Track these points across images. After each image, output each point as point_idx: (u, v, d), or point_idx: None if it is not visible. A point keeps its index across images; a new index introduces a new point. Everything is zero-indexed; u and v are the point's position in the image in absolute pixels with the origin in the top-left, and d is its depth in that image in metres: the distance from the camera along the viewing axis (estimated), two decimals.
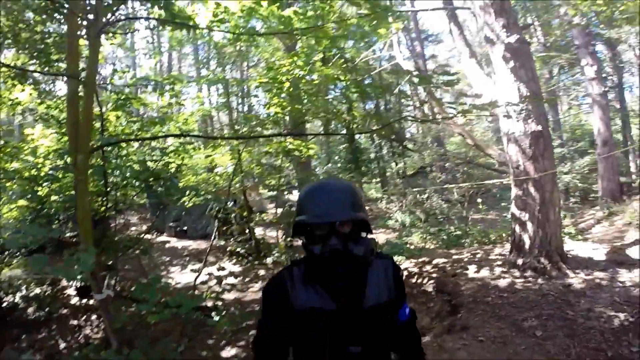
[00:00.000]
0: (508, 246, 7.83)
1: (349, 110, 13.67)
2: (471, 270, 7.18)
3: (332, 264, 1.53)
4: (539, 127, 6.87)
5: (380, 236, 14.25)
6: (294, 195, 14.28)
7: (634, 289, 5.49)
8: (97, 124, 6.20)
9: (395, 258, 8.11)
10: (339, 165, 21.13)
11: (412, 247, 9.91)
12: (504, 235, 10.44)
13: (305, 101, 7.34)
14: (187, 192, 9.10)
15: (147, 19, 5.67)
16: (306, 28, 5.68)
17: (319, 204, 1.56)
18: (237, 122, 11.81)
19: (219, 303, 6.62)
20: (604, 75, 14.28)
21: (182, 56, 25.73)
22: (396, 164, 21.32)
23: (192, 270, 8.87)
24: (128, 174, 6.86)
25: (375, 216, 18.76)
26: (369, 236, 1.65)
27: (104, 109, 6.45)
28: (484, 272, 6.98)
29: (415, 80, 6.75)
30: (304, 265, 1.65)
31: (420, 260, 8.14)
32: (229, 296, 7.45)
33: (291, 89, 6.80)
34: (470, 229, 12.13)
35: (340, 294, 1.58)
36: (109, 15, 4.76)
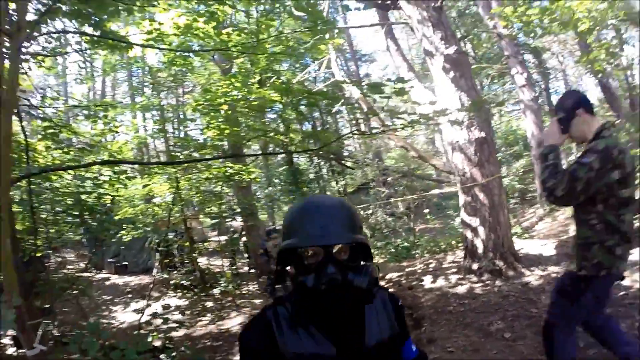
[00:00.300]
0: (460, 253, 7.86)
1: (287, 132, 13.51)
2: (427, 281, 7.12)
3: (330, 299, 1.21)
4: (483, 134, 6.98)
5: None
6: (237, 222, 13.84)
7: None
8: (23, 154, 5.68)
9: None
10: (279, 187, 20.87)
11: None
12: (453, 242, 10.56)
13: (243, 124, 7.13)
14: (124, 225, 8.56)
15: (75, 33, 5.26)
16: (244, 43, 5.49)
17: (313, 225, 1.24)
18: (174, 149, 11.38)
19: (167, 342, 6.14)
20: (532, 81, 15.00)
21: (115, 83, 24.81)
22: (337, 183, 21.32)
23: (134, 310, 8.26)
24: (59, 208, 6.32)
25: None
26: (370, 263, 1.34)
27: (34, 139, 5.94)
28: (441, 282, 6.93)
29: (358, 90, 6.70)
30: (291, 302, 1.33)
31: None
32: (178, 333, 6.97)
33: (229, 112, 6.58)
34: (419, 239, 12.23)
35: (340, 335, 1.29)
36: (34, 31, 4.36)
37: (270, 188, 20.33)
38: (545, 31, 8.87)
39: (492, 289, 6.06)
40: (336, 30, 6.45)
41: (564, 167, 2.56)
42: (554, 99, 20.36)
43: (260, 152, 15.20)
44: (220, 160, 9.60)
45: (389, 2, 7.87)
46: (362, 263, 1.34)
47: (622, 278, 2.66)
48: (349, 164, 22.23)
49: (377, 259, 10.95)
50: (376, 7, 8.93)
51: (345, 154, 23.54)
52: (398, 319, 1.46)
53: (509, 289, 5.93)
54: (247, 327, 1.35)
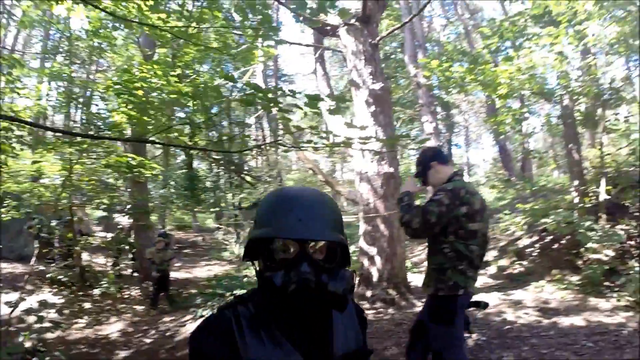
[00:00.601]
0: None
1: (192, 136, 13.20)
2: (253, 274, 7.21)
3: (299, 301, 1.06)
4: (392, 169, 7.32)
5: (215, 268, 13.89)
6: (127, 220, 12.94)
7: (475, 311, 5.98)
8: None
9: (238, 292, 7.81)
10: (172, 190, 20.11)
11: (248, 280, 9.57)
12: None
13: (153, 116, 6.83)
14: (6, 202, 7.70)
15: None
16: (182, 27, 5.34)
17: (289, 216, 1.10)
18: (79, 125, 10.46)
19: (40, 344, 5.50)
20: (439, 131, 16.10)
21: (28, 41, 22.43)
22: (233, 196, 21.03)
23: (6, 303, 7.35)
24: None
25: (210, 247, 18.37)
26: (348, 269, 1.18)
27: None
28: None
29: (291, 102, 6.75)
30: (254, 302, 1.17)
31: None
32: (52, 335, 6.30)
33: (143, 99, 6.28)
34: None
35: (306, 343, 1.14)
36: None
37: (165, 190, 19.46)
38: (463, 89, 9.66)
39: (385, 316, 6.29)
40: (272, 41, 6.47)
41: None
42: (454, 150, 22.68)
43: (163, 147, 14.50)
44: (124, 147, 9.03)
45: (329, 27, 8.11)
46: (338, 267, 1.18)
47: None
48: (248, 178, 22.12)
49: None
50: (316, 30, 9.16)
51: (247, 169, 23.42)
52: (362, 331, 1.33)
53: (402, 317, 6.20)
54: (200, 329, 1.16)
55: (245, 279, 9.27)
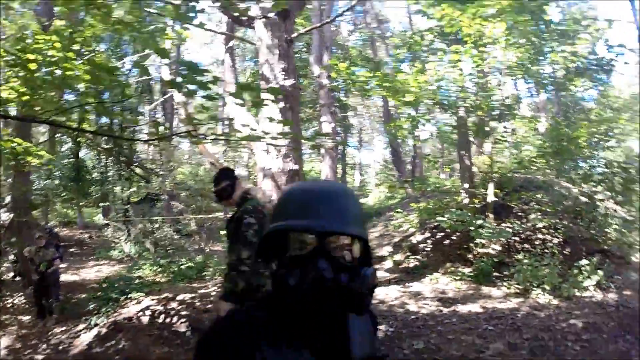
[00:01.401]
0: None
1: (81, 122, 12.10)
2: (224, 304, 7.05)
3: (315, 301, 0.96)
4: (296, 167, 7.34)
5: (104, 268, 12.95)
6: (4, 216, 11.37)
7: (380, 304, 6.52)
8: None
9: (134, 295, 7.36)
10: (57, 182, 18.26)
11: (142, 281, 9.03)
12: None
13: (44, 94, 6.15)
14: None
15: None
16: None
17: (307, 207, 1.02)
18: None
19: None
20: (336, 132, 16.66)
21: None
22: (122, 189, 19.71)
23: None
24: None
25: (98, 245, 17.02)
26: (370, 268, 1.06)
27: None
28: None
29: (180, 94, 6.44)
30: (269, 306, 1.05)
31: (162, 296, 7.29)
32: None
33: (35, 74, 5.62)
34: (210, 260, 12.01)
35: (325, 349, 1.04)
36: None
37: (48, 181, 17.56)
38: (367, 93, 10.11)
39: None
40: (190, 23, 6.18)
41: None
42: (348, 151, 23.81)
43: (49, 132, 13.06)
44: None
45: (245, 18, 7.97)
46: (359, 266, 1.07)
47: None
48: (139, 170, 20.86)
49: (159, 278, 10.32)
50: (231, 18, 8.94)
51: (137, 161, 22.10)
52: (375, 335, 1.25)
53: None
54: (210, 337, 1.05)
55: (139, 281, 8.79)
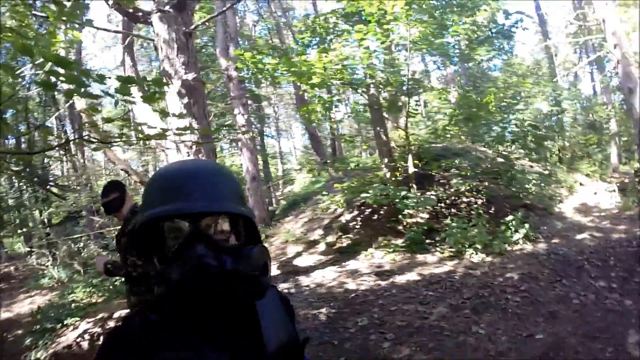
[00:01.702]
0: None
1: None
2: None
3: (200, 292, 0.85)
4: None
5: (37, 299, 11.98)
6: None
7: (318, 287, 6.48)
8: None
9: (69, 322, 7.03)
10: None
11: (77, 304, 8.52)
12: None
13: None
14: None
15: None
16: None
17: (176, 190, 0.89)
18: None
19: None
20: (251, 123, 16.37)
21: None
22: (40, 212, 18.45)
23: None
24: None
25: (25, 276, 15.80)
26: (256, 246, 0.96)
27: None
28: None
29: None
30: (161, 309, 0.93)
31: (98, 317, 7.03)
32: None
33: None
34: None
35: (233, 342, 0.93)
36: None
37: None
38: (275, 80, 9.95)
39: None
40: (77, 23, 5.68)
41: None
42: (267, 141, 23.64)
43: None
44: None
45: (140, 14, 7.50)
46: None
47: None
48: (55, 190, 19.51)
49: (95, 299, 9.68)
50: (125, 15, 8.39)
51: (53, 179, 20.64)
52: (291, 320, 1.13)
53: None
54: (106, 345, 0.94)
55: (74, 305, 8.20)
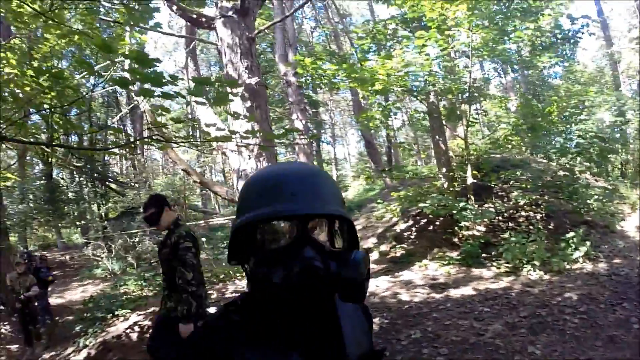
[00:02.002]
0: (242, 282, 7.86)
1: (50, 141, 11.81)
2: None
3: (306, 295, 0.82)
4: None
5: (89, 288, 12.59)
6: None
7: (371, 297, 6.37)
8: None
9: (120, 313, 7.28)
10: (31, 205, 17.70)
11: (128, 297, 8.82)
12: (231, 272, 10.51)
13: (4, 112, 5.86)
14: None
15: None
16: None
17: (280, 192, 0.87)
18: None
19: None
20: (308, 129, 16.50)
21: None
22: (99, 206, 19.32)
23: None
24: None
25: (80, 265, 16.65)
26: (360, 251, 0.92)
27: None
28: None
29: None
30: (249, 308, 0.92)
31: (149, 310, 7.16)
32: None
33: None
34: None
35: (317, 349, 0.91)
36: None
37: (23, 205, 16.99)
38: (335, 86, 9.97)
39: None
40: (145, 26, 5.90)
41: None
42: (323, 147, 23.94)
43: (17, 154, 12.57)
44: None
45: (203, 19, 7.75)
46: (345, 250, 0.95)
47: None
48: (114, 186, 20.45)
49: (146, 292, 10.00)
50: (189, 21, 8.69)
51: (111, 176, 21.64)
52: (370, 330, 1.10)
53: None
54: (187, 348, 0.96)
55: (124, 297, 8.49)
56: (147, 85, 3.17)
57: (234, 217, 0.96)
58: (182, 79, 9.39)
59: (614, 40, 22.31)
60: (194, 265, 3.30)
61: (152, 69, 3.10)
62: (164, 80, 3.19)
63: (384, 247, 9.65)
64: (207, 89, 5.74)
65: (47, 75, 3.76)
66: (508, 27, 8.70)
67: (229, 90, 4.21)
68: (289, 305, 0.83)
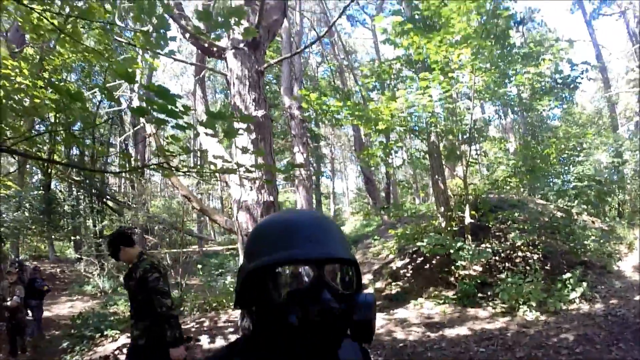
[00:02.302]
0: (236, 312, 7.80)
1: (51, 152, 11.98)
2: (204, 341, 6.85)
3: (322, 338, 0.84)
4: (271, 198, 7.19)
5: (77, 304, 12.46)
6: None
7: None
8: None
9: (109, 333, 7.27)
10: (26, 214, 17.62)
11: (117, 317, 8.79)
12: (224, 301, 10.42)
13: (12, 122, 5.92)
14: None
15: None
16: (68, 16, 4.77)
17: (296, 236, 0.89)
18: None
19: None
20: (308, 162, 16.63)
21: None
22: (94, 223, 19.26)
23: None
24: None
25: (71, 280, 16.50)
26: (370, 293, 0.96)
27: None
28: (220, 341, 6.74)
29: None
30: (255, 353, 0.93)
31: None
32: None
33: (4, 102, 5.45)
34: (187, 295, 11.70)
35: None
36: None
37: (18, 212, 16.91)
38: (338, 122, 10.16)
39: None
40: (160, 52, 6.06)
41: None
42: (322, 181, 24.11)
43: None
44: None
45: (215, 49, 7.95)
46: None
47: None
48: (111, 204, 20.45)
49: (124, 309, 9.90)
50: (200, 49, 8.92)
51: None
52: None
53: None
54: None
55: (114, 317, 8.41)
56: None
57: (242, 262, 0.97)
58: (195, 110, 9.57)
59: (612, 82, 22.80)
60: (168, 292, 3.55)
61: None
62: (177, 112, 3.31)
63: (379, 284, 9.64)
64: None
65: (66, 92, 3.85)
66: (509, 70, 8.95)
67: (237, 125, 4.32)
68: (303, 347, 0.83)
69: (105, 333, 7.22)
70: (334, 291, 0.86)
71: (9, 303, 7.43)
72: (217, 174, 6.68)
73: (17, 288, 7.63)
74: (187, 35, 7.93)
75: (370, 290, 9.47)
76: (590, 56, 32.75)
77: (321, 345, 0.84)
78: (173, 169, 4.81)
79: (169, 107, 3.29)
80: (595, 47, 20.03)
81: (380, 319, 7.31)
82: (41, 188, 18.86)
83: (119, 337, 6.97)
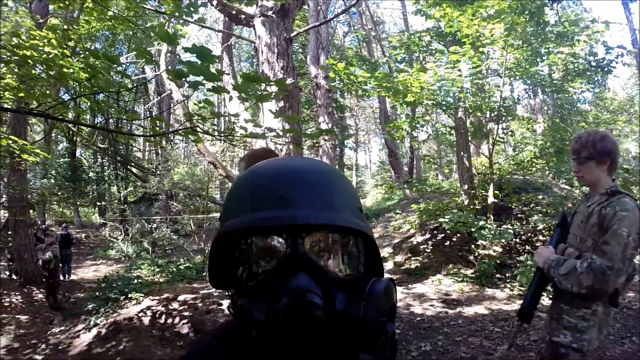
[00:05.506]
0: None
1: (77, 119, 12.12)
2: (226, 305, 6.98)
3: (295, 342, 0.60)
4: None
5: (102, 268, 12.85)
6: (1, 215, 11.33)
7: None
8: None
9: (133, 296, 7.43)
10: (53, 181, 18.14)
11: (141, 281, 8.97)
12: None
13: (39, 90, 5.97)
14: None
15: None
16: None
17: (268, 194, 0.63)
18: None
19: None
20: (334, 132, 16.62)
21: None
22: (119, 189, 19.66)
23: None
24: None
25: (95, 245, 17.00)
26: (381, 279, 0.66)
27: None
28: None
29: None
30: (231, 345, 0.71)
31: (163, 297, 7.21)
32: None
33: (32, 71, 5.49)
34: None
35: None
36: None
37: (44, 180, 17.43)
38: (366, 94, 10.06)
39: None
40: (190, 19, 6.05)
41: None
42: (345, 152, 24.17)
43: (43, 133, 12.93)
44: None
45: (243, 16, 7.88)
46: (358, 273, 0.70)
47: None
48: (135, 170, 20.79)
49: (157, 278, 10.11)
50: (228, 17, 8.86)
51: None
52: None
53: None
54: None
55: (137, 281, 8.67)
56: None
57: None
58: (229, 74, 9.57)
59: None
60: None
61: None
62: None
63: (399, 258, 9.71)
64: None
65: (103, 55, 3.85)
66: (542, 49, 8.68)
67: (269, 89, 4.30)
68: (279, 349, 0.61)
69: (129, 296, 7.41)
70: (322, 275, 0.62)
71: (46, 256, 8.04)
72: (245, 140, 6.74)
73: (51, 248, 8.24)
74: (215, 2, 7.89)
75: (389, 263, 9.53)
76: (626, 40, 31.38)
77: (298, 348, 0.60)
78: (204, 133, 4.85)
79: (209, 68, 3.31)
80: (631, 32, 19.20)
81: (399, 293, 7.32)
82: (67, 155, 19.30)
83: (142, 300, 7.13)
